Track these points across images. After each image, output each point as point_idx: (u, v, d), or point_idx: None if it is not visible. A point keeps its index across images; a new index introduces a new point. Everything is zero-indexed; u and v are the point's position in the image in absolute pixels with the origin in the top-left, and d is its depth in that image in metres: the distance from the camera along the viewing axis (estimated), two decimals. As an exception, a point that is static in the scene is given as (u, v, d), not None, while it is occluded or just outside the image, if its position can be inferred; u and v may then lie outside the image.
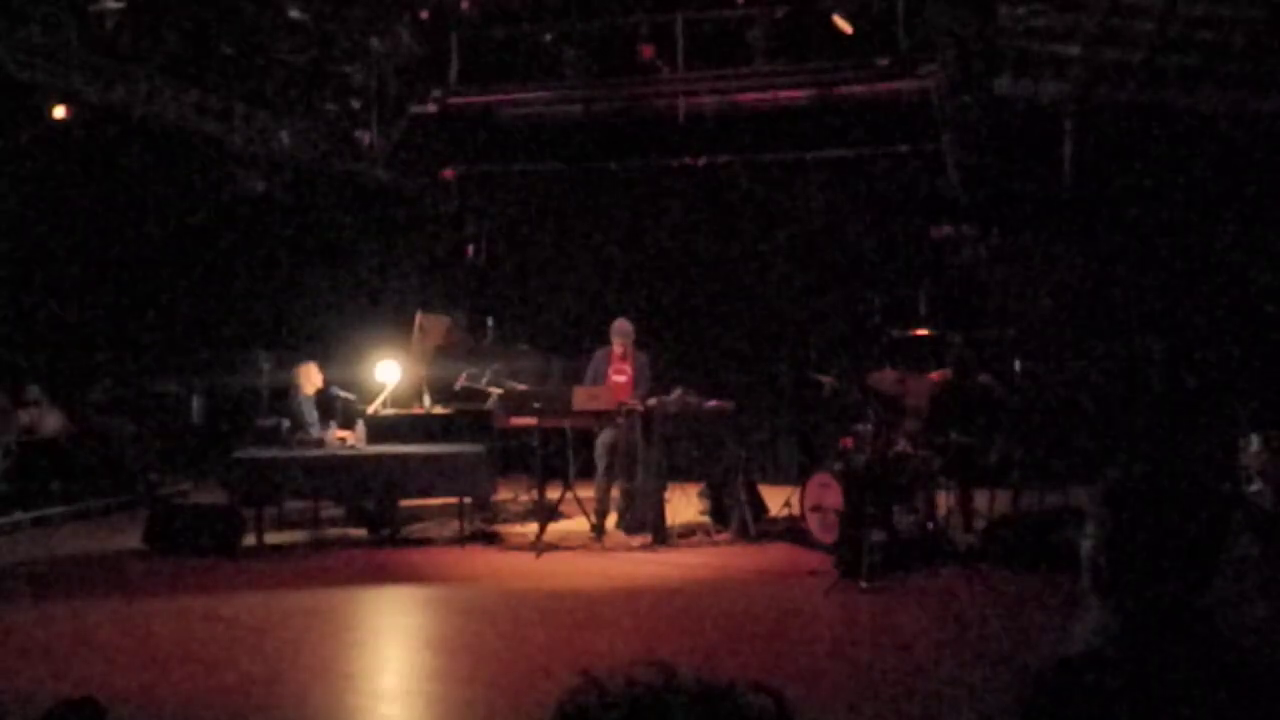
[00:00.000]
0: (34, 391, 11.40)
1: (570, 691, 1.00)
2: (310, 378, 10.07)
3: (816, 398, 10.08)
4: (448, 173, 13.35)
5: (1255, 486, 8.91)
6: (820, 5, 11.25)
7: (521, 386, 9.95)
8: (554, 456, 9.43)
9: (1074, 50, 10.06)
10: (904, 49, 11.20)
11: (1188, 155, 11.01)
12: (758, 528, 9.25)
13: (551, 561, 8.50)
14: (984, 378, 9.21)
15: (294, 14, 10.26)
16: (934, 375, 9.32)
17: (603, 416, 9.32)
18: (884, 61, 11.32)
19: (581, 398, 9.15)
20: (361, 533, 9.47)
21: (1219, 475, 8.95)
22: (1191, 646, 1.64)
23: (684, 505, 9.68)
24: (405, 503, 9.47)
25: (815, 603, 7.13)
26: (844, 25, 11.00)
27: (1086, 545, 1.75)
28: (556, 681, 1.03)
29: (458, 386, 10.20)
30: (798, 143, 12.48)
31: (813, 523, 8.64)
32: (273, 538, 9.13)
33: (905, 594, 7.29)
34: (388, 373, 9.93)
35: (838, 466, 8.51)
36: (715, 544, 9.03)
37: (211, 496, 10.16)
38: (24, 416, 11.21)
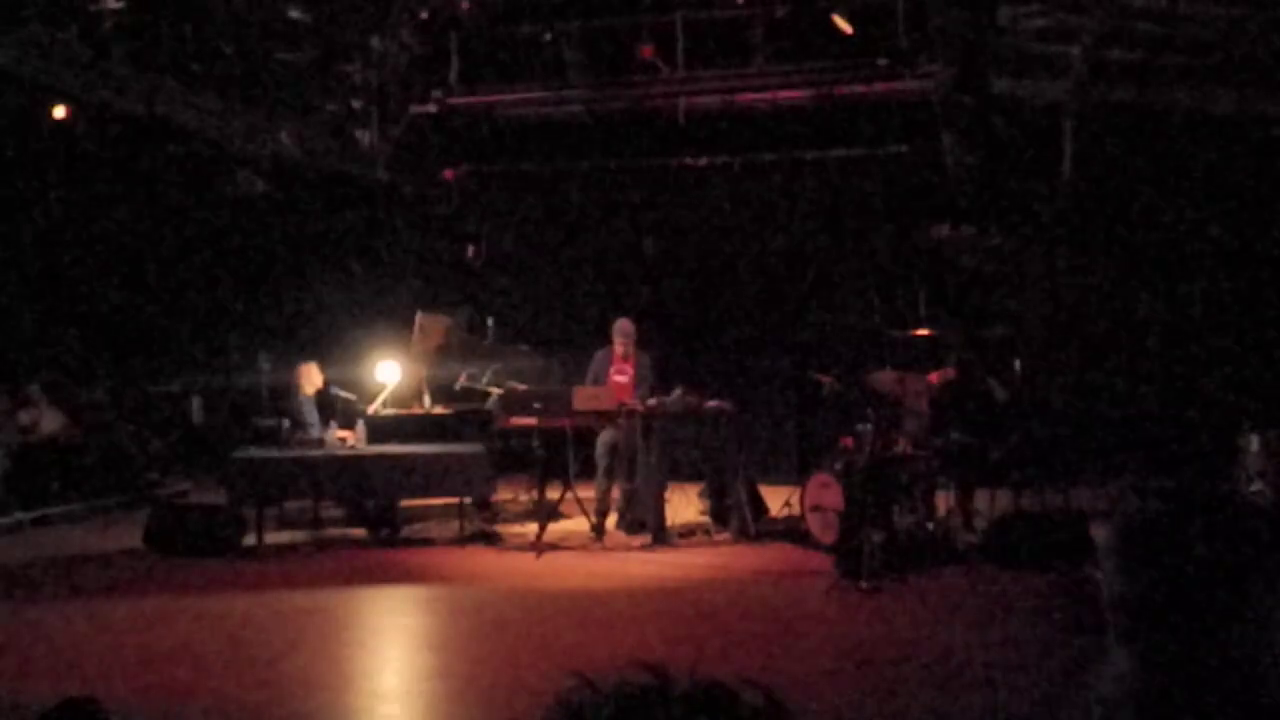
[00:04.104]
0: (34, 391, 11.40)
1: (562, 693, 1.00)
2: (310, 378, 10.07)
3: (816, 398, 10.07)
4: (448, 173, 13.34)
5: (1255, 486, 8.91)
6: (820, 5, 11.24)
7: (521, 386, 9.94)
8: (554, 456, 9.42)
9: (1074, 50, 10.06)
10: (904, 49, 11.19)
11: (1188, 155, 11.00)
12: (758, 528, 9.24)
13: (551, 561, 8.50)
14: (985, 378, 9.21)
15: (294, 14, 10.26)
16: (934, 375, 9.32)
17: (603, 416, 9.32)
18: (884, 61, 11.31)
19: (582, 398, 9.15)
20: (361, 533, 9.46)
21: (1246, 506, 8.85)
22: (1225, 698, 1.46)
23: (684, 505, 9.67)
24: (405, 503, 9.47)
25: (815, 603, 7.13)
26: (844, 25, 10.98)
27: (1104, 587, 1.55)
28: (556, 681, 1.03)
29: (458, 386, 10.20)
30: (798, 143, 12.48)
31: (813, 523, 8.64)
32: (273, 538, 9.12)
33: (905, 594, 7.28)
34: (388, 373, 9.93)
35: (838, 466, 8.51)
36: (715, 544, 9.03)
37: (211, 496, 10.15)
38: (24, 416, 11.21)
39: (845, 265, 12.57)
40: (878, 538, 7.53)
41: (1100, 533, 1.63)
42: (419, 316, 10.47)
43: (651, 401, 9.25)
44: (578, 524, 9.34)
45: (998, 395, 9.08)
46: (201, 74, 9.88)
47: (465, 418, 9.98)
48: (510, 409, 9.64)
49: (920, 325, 10.15)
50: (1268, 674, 1.47)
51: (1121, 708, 1.50)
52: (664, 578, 8.01)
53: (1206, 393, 11.15)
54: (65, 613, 7.13)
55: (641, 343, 9.83)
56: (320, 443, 9.41)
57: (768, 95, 12.20)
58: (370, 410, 9.71)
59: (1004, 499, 8.95)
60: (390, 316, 12.20)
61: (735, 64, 11.83)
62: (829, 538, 8.33)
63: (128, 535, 9.27)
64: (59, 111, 10.16)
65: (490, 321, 11.58)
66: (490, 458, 9.31)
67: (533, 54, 12.17)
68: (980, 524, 8.78)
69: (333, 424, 9.62)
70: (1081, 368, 11.84)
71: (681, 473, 9.47)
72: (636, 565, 8.45)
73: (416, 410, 10.10)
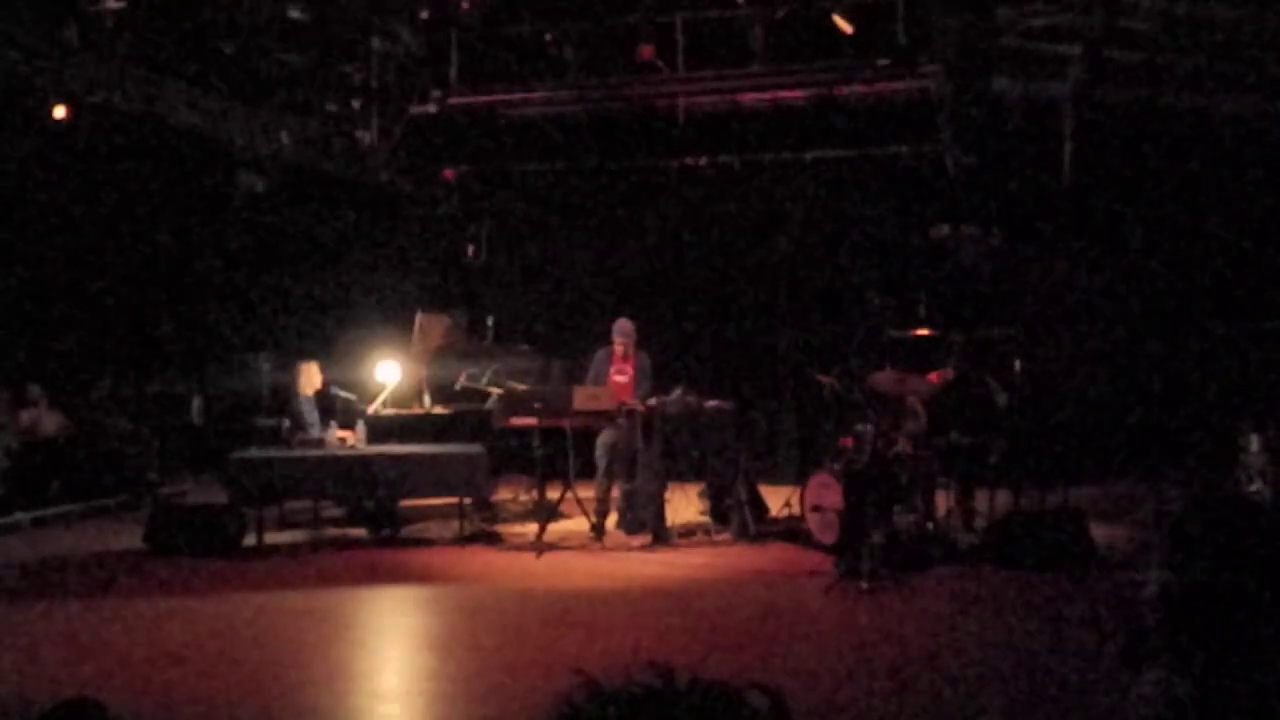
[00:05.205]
0: (34, 391, 11.40)
1: (567, 692, 1.00)
2: (310, 378, 10.06)
3: (816, 398, 10.07)
4: (448, 173, 13.33)
5: (1255, 486, 8.91)
6: (820, 5, 11.23)
7: (521, 386, 9.94)
8: (554, 456, 9.42)
9: (1074, 50, 10.06)
10: (904, 49, 11.18)
11: (1188, 155, 11.00)
12: (758, 528, 9.24)
13: (551, 561, 8.50)
14: (985, 378, 9.21)
15: (294, 14, 10.25)
16: (934, 375, 9.32)
17: (603, 416, 9.31)
18: (884, 61, 11.30)
19: (582, 398, 9.15)
20: (361, 533, 9.47)
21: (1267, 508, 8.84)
22: (1269, 699, 1.40)
23: (684, 505, 9.67)
24: (405, 503, 9.47)
25: (815, 603, 7.13)
26: (844, 25, 10.97)
27: (1150, 588, 1.49)
28: (556, 681, 1.03)
29: (458, 386, 10.19)
30: (798, 143, 12.47)
31: (813, 523, 8.64)
32: (273, 538, 9.13)
33: (905, 594, 7.28)
34: (388, 373, 9.93)
35: (838, 466, 8.51)
36: (715, 544, 9.03)
37: (211, 496, 10.15)
38: (24, 416, 11.21)
39: (845, 265, 12.57)
40: (878, 538, 7.53)
41: (1135, 534, 1.56)
42: (419, 316, 10.47)
43: (651, 401, 9.25)
44: (578, 524, 9.34)
45: (998, 396, 9.08)
46: (201, 74, 9.88)
47: (465, 418, 9.98)
48: (510, 409, 9.63)
49: (920, 325, 10.15)
50: None
51: (1162, 710, 1.46)
52: (664, 578, 8.01)
53: (1206, 393, 11.15)
54: (65, 613, 7.13)
55: (641, 343, 9.83)
56: (320, 443, 9.41)
57: (768, 95, 12.19)
58: (370, 410, 9.71)
59: (1004, 499, 8.95)
60: (390, 316, 12.20)
61: (735, 64, 11.82)
62: (829, 538, 8.33)
63: (128, 535, 9.28)
64: (59, 111, 10.14)
65: (490, 321, 11.58)
66: (490, 458, 9.31)
67: (533, 54, 12.16)
68: (980, 524, 8.78)
69: (333, 424, 9.62)
70: (1081, 367, 11.84)
71: (681, 473, 9.47)
72: (636, 565, 8.45)
73: (416, 410, 10.10)
